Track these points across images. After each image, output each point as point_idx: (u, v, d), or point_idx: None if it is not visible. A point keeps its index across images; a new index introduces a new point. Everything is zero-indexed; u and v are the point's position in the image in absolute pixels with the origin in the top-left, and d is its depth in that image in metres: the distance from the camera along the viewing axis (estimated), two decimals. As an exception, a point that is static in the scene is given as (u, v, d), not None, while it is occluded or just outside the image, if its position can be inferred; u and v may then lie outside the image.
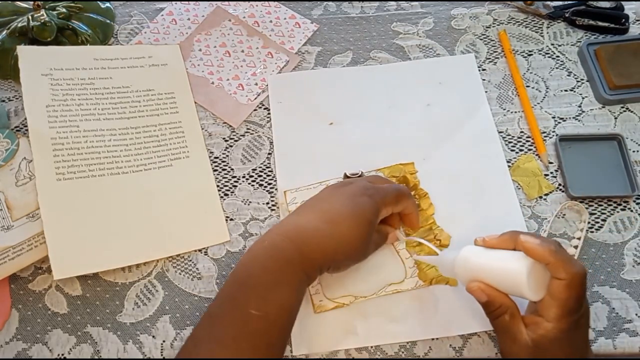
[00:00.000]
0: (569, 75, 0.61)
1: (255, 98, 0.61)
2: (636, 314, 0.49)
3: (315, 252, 0.42)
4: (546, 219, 0.53)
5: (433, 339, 0.48)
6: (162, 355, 0.48)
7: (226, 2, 0.67)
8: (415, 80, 0.61)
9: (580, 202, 0.53)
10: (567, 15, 0.64)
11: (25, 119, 0.54)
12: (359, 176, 0.52)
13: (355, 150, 0.57)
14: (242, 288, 0.41)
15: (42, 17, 0.61)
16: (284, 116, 0.59)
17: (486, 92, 0.60)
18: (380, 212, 0.45)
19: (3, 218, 0.51)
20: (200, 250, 0.53)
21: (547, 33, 0.64)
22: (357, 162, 0.55)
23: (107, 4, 0.66)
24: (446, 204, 0.53)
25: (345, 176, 0.53)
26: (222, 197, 0.55)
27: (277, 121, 0.59)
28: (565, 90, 0.60)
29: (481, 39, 0.64)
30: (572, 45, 0.63)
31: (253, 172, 0.57)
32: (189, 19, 0.66)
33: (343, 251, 0.43)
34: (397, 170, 0.55)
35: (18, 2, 0.64)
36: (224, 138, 0.59)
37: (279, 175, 0.56)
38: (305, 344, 0.47)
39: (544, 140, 0.57)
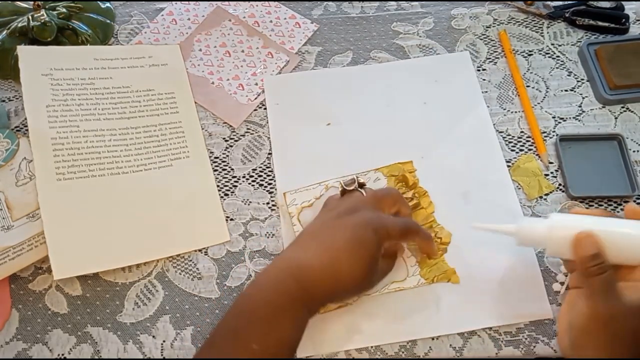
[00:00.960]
0: (569, 75, 0.61)
1: (256, 98, 0.61)
2: (636, 314, 0.49)
3: (318, 290, 0.42)
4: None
5: (433, 339, 0.48)
6: (162, 355, 0.48)
7: (226, 2, 0.67)
8: (411, 78, 0.61)
9: (581, 202, 0.53)
10: (567, 15, 0.64)
11: (25, 119, 0.54)
12: (356, 185, 0.49)
13: (354, 150, 0.57)
14: (244, 321, 0.41)
15: (42, 17, 0.61)
16: (281, 118, 0.59)
17: (486, 92, 0.60)
18: (384, 246, 0.45)
19: (3, 218, 0.51)
20: (200, 250, 0.53)
21: (547, 33, 0.64)
22: (356, 162, 0.55)
23: (107, 4, 0.66)
24: (446, 202, 0.53)
25: (342, 188, 0.50)
26: (222, 197, 0.55)
27: (274, 123, 0.59)
28: (566, 90, 0.60)
29: (481, 39, 0.64)
30: (572, 45, 0.63)
31: (253, 172, 0.57)
32: (189, 19, 0.66)
33: (345, 288, 0.44)
34: (396, 169, 0.55)
35: (18, 2, 0.64)
36: (224, 138, 0.59)
37: (278, 177, 0.56)
38: (311, 345, 0.47)
39: (544, 140, 0.57)
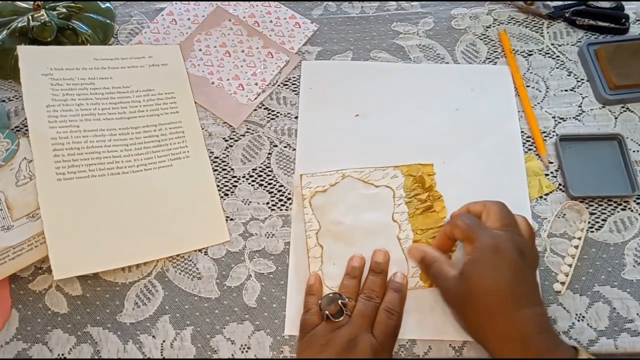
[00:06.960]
0: (569, 75, 0.61)
1: (256, 98, 0.61)
2: (637, 314, 0.49)
3: None
4: (546, 218, 0.53)
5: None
6: (162, 355, 0.48)
7: (226, 2, 0.67)
8: (447, 83, 0.61)
9: (581, 201, 0.53)
10: (567, 15, 0.64)
11: (25, 119, 0.54)
12: (340, 306, 0.46)
13: (377, 144, 0.57)
14: None
15: (42, 17, 0.61)
16: (311, 102, 0.60)
17: (486, 92, 0.60)
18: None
19: (3, 218, 0.51)
20: (200, 250, 0.53)
21: (547, 33, 0.64)
22: (377, 156, 0.56)
23: (107, 4, 0.66)
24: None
25: (326, 314, 0.46)
26: (222, 197, 0.55)
27: (304, 105, 0.60)
28: (566, 90, 0.60)
29: (481, 39, 0.64)
30: (572, 45, 0.63)
31: (253, 172, 0.57)
32: (189, 19, 0.66)
33: None
34: (415, 169, 0.55)
35: (18, 2, 0.64)
36: (224, 138, 0.59)
37: (298, 158, 0.56)
38: None
39: (544, 140, 0.57)
